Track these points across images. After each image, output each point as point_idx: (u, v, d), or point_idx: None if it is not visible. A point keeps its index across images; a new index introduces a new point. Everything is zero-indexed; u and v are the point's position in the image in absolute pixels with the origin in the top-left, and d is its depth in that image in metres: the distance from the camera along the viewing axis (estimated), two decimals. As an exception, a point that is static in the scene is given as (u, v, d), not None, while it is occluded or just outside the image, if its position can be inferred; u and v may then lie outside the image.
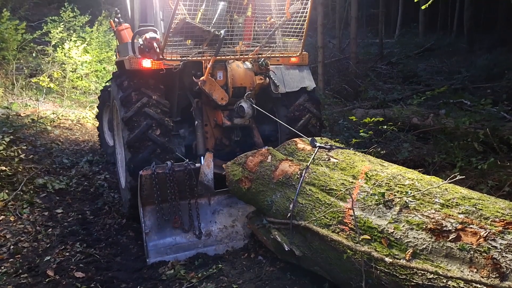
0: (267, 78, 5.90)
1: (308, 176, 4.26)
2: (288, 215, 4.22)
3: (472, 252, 2.89)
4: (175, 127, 5.88)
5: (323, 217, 3.87)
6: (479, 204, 3.11)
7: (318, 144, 4.64)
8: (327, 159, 4.37)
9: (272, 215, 4.54)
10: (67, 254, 5.15)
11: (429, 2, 5.16)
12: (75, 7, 14.86)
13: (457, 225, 3.03)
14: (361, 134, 7.26)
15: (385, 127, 7.77)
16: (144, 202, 5.17)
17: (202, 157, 5.62)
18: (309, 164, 4.37)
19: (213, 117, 6.03)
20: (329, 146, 4.59)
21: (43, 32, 13.86)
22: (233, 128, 6.00)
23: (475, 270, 2.83)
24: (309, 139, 4.85)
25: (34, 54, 13.90)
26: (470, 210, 3.08)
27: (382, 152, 6.44)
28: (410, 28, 30.46)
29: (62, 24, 14.07)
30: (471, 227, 2.98)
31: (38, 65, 13.88)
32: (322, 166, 4.32)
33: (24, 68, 13.59)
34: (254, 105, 5.63)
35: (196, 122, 5.92)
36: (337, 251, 3.67)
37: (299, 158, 4.68)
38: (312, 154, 4.51)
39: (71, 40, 13.85)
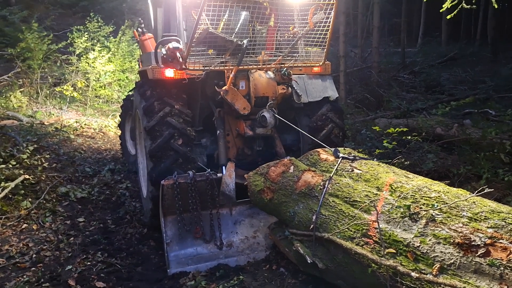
0: (290, 88, 5.86)
1: (331, 187, 4.20)
2: (311, 226, 4.15)
3: (502, 268, 2.79)
4: (197, 136, 5.87)
5: (346, 230, 3.80)
6: (508, 218, 3.01)
7: (341, 155, 4.56)
8: (350, 170, 4.30)
9: (294, 227, 4.47)
10: (89, 263, 5.17)
11: (454, 13, 5.07)
12: (99, 17, 15.06)
13: (486, 240, 2.94)
14: (385, 144, 7.16)
15: (409, 137, 7.65)
16: (165, 212, 5.17)
17: (223, 167, 5.61)
18: (332, 175, 4.30)
19: (235, 126, 6.01)
20: (352, 157, 4.51)
21: (68, 42, 14.07)
22: (255, 138, 5.97)
23: (506, 287, 2.74)
24: (332, 149, 4.78)
25: (58, 64, 14.11)
26: (499, 225, 2.98)
27: (406, 162, 6.34)
28: (432, 37, 30.15)
29: (87, 34, 14.27)
30: (500, 242, 2.88)
31: (62, 74, 14.09)
32: (345, 177, 4.25)
33: (49, 77, 13.81)
34: (276, 115, 5.60)
35: (218, 132, 5.90)
36: (362, 265, 3.59)
37: (322, 168, 4.61)
38: (335, 165, 4.45)
39: (94, 50, 14.03)
